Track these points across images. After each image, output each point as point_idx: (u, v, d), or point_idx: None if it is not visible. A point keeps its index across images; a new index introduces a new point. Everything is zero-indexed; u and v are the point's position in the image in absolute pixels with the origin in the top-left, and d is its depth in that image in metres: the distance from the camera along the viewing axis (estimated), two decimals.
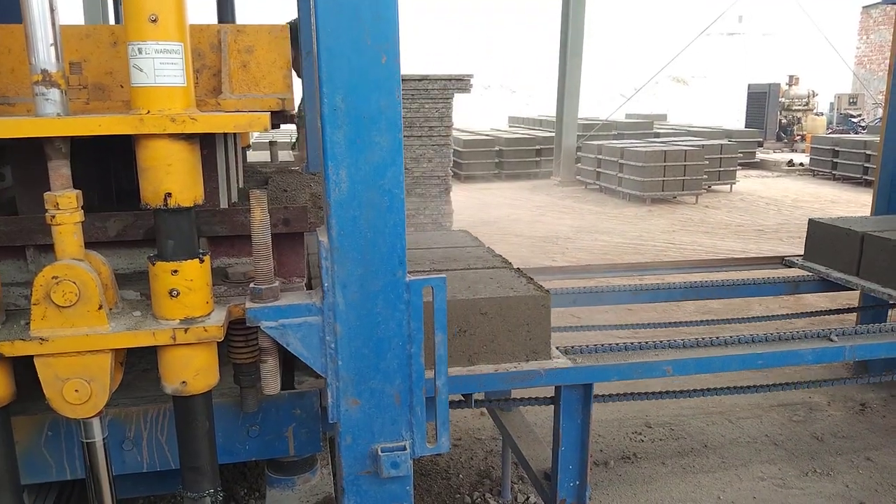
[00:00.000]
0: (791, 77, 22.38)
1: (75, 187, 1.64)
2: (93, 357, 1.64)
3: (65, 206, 1.58)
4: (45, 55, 1.54)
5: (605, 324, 4.37)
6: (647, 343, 2.69)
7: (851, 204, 12.85)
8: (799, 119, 21.87)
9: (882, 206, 5.14)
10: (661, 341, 2.67)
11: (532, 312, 2.43)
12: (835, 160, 15.86)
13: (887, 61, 5.33)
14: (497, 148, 16.13)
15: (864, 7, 25.65)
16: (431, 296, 1.78)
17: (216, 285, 1.87)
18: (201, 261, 1.71)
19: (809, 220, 4.34)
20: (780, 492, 3.66)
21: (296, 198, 2.45)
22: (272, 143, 4.04)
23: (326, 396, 1.80)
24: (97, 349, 1.64)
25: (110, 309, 1.70)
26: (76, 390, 1.63)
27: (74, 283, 1.59)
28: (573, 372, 2.49)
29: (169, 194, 1.61)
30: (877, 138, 9.20)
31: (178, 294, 1.67)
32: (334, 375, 1.77)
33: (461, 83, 6.88)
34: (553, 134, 16.07)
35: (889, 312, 5.04)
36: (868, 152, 14.62)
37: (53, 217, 1.58)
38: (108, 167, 2.86)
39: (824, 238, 4.16)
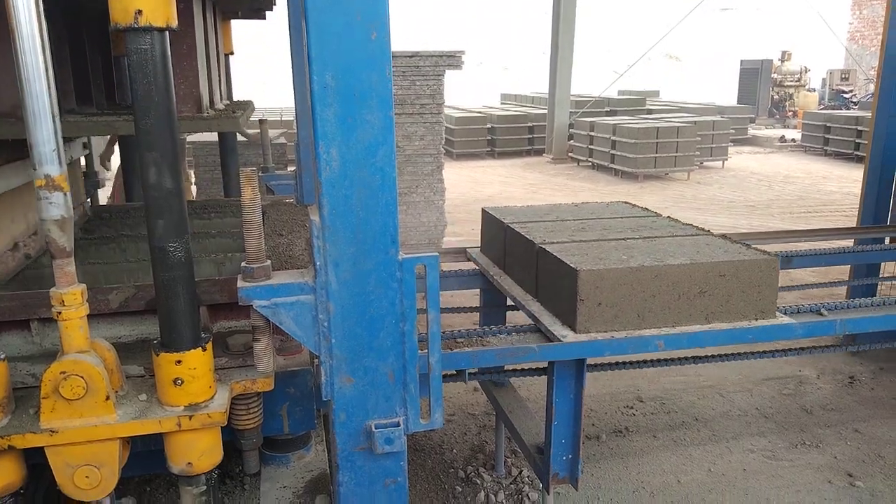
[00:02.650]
0: (783, 53, 22.32)
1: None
2: (101, 445, 1.69)
3: (70, 303, 1.60)
4: (49, 160, 1.54)
5: None
6: (476, 331, 2.68)
7: (843, 180, 12.89)
8: (791, 95, 21.85)
9: (873, 181, 5.16)
10: (487, 329, 2.65)
11: (763, 275, 2.58)
12: (826, 136, 15.88)
13: (880, 37, 5.31)
14: (489, 125, 16.07)
15: None
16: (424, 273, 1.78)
17: (217, 357, 1.89)
18: (204, 349, 1.74)
19: None
20: (769, 464, 3.71)
21: (292, 245, 2.47)
22: (262, 122, 4.02)
23: (320, 374, 1.81)
24: (105, 438, 1.68)
25: (116, 392, 1.74)
26: (86, 476, 1.69)
27: (82, 377, 1.63)
28: (566, 347, 2.50)
29: (139, 11, 1.54)
30: (868, 114, 9.21)
31: (182, 383, 1.72)
32: (328, 353, 1.78)
33: (453, 60, 6.82)
34: (545, 111, 16.01)
35: (878, 286, 5.08)
36: (860, 128, 14.64)
37: (60, 314, 1.61)
38: (85, 61, 2.85)
39: None
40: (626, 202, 3.77)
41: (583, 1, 15.07)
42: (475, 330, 2.65)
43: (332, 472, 2.07)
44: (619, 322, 2.50)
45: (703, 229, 3.11)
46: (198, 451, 1.78)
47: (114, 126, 2.50)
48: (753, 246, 2.81)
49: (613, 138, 13.27)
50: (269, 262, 1.80)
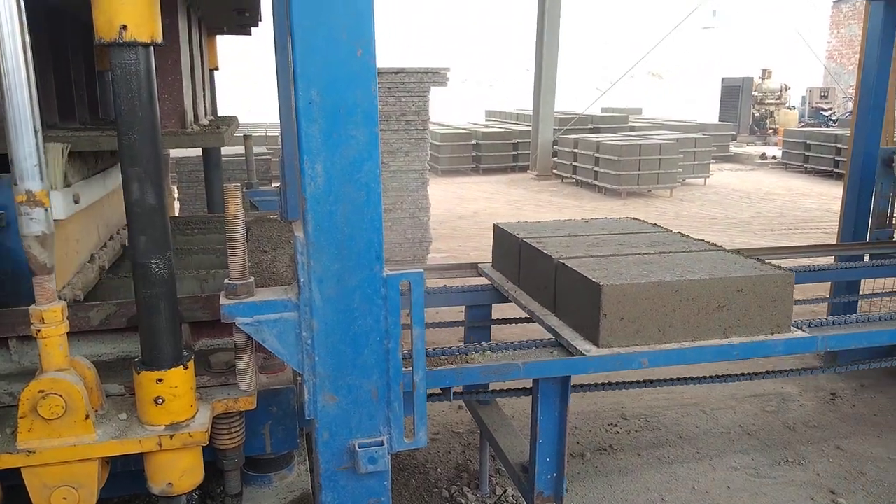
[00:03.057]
0: (764, 71, 22.66)
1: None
2: (80, 465, 1.66)
3: (50, 320, 1.59)
4: (30, 175, 1.53)
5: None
6: (501, 344, 2.68)
7: (823, 196, 13.05)
8: (771, 112, 22.16)
9: (852, 198, 5.23)
10: (512, 343, 2.66)
11: (779, 290, 2.62)
12: (806, 153, 16.10)
13: (857, 56, 5.41)
14: (474, 142, 16.13)
15: (834, 2, 26.02)
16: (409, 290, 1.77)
17: (199, 375, 1.87)
18: (185, 367, 1.72)
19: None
20: (753, 481, 3.71)
21: (276, 262, 2.45)
22: (246, 137, 4.00)
23: (303, 393, 1.79)
24: (84, 458, 1.65)
25: (95, 411, 1.71)
26: (64, 498, 1.66)
27: (61, 396, 1.60)
28: (551, 365, 2.50)
29: (124, 26, 1.53)
30: (847, 132, 9.34)
31: (163, 401, 1.70)
32: (311, 372, 1.76)
33: (438, 76, 6.85)
34: (530, 128, 16.11)
35: (859, 303, 5.13)
36: (839, 146, 14.85)
37: (39, 331, 1.59)
38: (68, 75, 2.82)
39: None
40: (634, 218, 3.81)
41: (566, 19, 15.23)
42: (494, 344, 2.64)
43: (314, 492, 2.04)
44: (640, 336, 2.52)
45: (715, 245, 3.16)
46: (178, 471, 1.76)
47: (97, 141, 2.48)
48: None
49: (597, 155, 13.37)
50: (252, 278, 1.78)
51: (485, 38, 30.58)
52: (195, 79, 3.36)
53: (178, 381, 1.71)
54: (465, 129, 17.22)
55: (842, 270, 4.14)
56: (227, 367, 1.97)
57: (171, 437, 1.70)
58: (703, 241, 3.24)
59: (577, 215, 11.24)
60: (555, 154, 15.24)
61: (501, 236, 3.44)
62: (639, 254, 2.94)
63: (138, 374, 1.69)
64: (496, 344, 2.65)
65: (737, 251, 3.12)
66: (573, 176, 14.33)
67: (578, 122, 16.97)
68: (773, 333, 2.63)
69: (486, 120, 21.55)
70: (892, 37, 4.99)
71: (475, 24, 30.45)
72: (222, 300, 1.75)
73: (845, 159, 5.93)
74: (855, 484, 3.68)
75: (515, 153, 16.40)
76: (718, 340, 2.57)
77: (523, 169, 16.19)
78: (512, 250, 3.28)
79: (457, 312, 3.67)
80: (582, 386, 3.04)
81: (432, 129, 15.16)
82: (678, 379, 3.20)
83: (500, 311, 3.53)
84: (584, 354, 2.47)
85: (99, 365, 1.79)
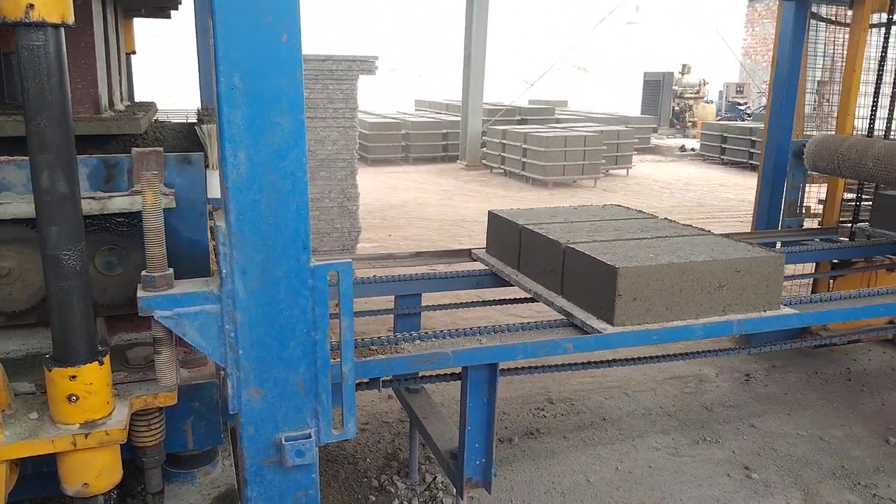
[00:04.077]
0: (684, 66, 23.41)
1: None
2: None
3: None
4: None
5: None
6: (548, 322, 2.76)
7: (738, 187, 13.62)
8: (690, 106, 22.93)
9: (766, 189, 5.47)
10: (525, 324, 2.74)
11: (772, 270, 2.82)
12: (723, 146, 16.76)
13: (771, 53, 5.65)
14: (404, 131, 16.07)
15: (749, 1, 27.10)
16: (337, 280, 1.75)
17: (116, 371, 1.79)
18: (101, 363, 1.65)
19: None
20: (673, 460, 3.86)
21: None
22: (166, 124, 3.85)
23: (227, 387, 1.75)
24: None
25: (3, 411, 1.62)
26: None
27: None
28: (479, 352, 2.52)
29: (31, 6, 1.44)
30: (761, 125, 9.77)
31: (77, 399, 1.62)
32: (235, 365, 1.72)
33: (366, 65, 6.78)
34: (459, 118, 16.16)
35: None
36: (753, 138, 15.54)
37: None
38: None
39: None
40: (618, 205, 4.00)
41: (494, 11, 15.32)
42: (497, 326, 2.69)
43: (240, 487, 2.00)
44: (650, 315, 2.68)
45: (704, 230, 3.36)
46: (95, 471, 1.68)
47: (2, 127, 2.34)
48: None
49: (524, 146, 13.54)
50: (171, 270, 1.72)
51: (414, 27, 30.45)
52: (110, 62, 3.22)
53: (92, 378, 1.64)
54: (394, 118, 17.13)
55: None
56: (145, 363, 1.90)
57: (87, 435, 1.63)
58: (691, 226, 3.43)
59: (506, 205, 11.36)
60: (484, 145, 15.35)
61: (497, 222, 3.56)
62: (639, 238, 3.11)
63: (50, 370, 1.61)
64: (425, 333, 2.66)
65: (726, 235, 3.36)
66: (501, 166, 14.48)
67: (506, 113, 17.14)
68: (765, 310, 2.84)
69: (416, 110, 21.49)
70: (802, 36, 5.24)
71: (404, 12, 30.27)
72: (139, 293, 1.69)
73: (759, 151, 6.21)
74: (767, 459, 3.88)
75: (445, 143, 16.43)
76: (719, 317, 2.76)
77: (453, 159, 16.24)
78: (510, 236, 3.40)
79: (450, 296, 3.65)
80: (510, 370, 3.09)
81: (361, 117, 15.02)
82: (602, 362, 3.30)
83: (478, 294, 3.54)
84: (600, 333, 2.61)
85: (6, 362, 1.70)
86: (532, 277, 3.20)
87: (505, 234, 3.47)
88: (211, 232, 1.95)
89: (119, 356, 1.92)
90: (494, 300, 3.78)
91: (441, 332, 2.68)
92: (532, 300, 3.25)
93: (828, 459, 3.88)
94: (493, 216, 3.62)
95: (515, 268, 3.36)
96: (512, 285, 3.34)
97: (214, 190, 1.92)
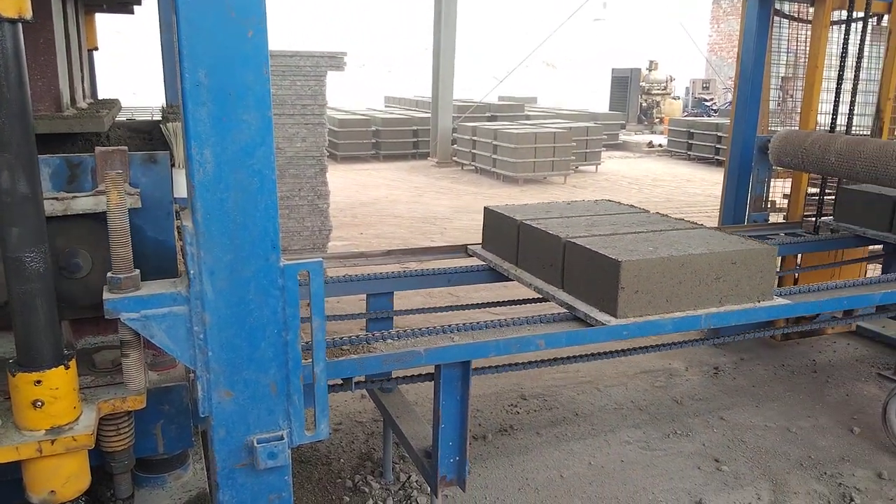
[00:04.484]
0: (651, 62, 23.67)
1: None
2: None
3: None
4: None
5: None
6: (520, 319, 2.77)
7: (705, 182, 13.81)
8: (658, 102, 23.20)
9: (732, 184, 5.55)
10: (531, 317, 2.76)
11: (765, 262, 2.90)
12: (690, 141, 16.97)
13: (736, 49, 5.73)
14: (374, 128, 16.00)
15: None
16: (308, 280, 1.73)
17: (82, 375, 1.75)
18: (66, 367, 1.61)
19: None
20: (645, 454, 3.90)
21: None
22: (130, 122, 3.78)
23: (196, 389, 1.72)
24: None
25: None
26: None
27: None
28: (452, 350, 2.52)
29: None
30: (727, 121, 9.91)
31: (42, 405, 1.58)
32: (204, 367, 1.69)
33: (335, 61, 6.72)
34: (429, 115, 16.14)
35: None
36: (720, 134, 15.75)
37: None
38: None
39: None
40: (610, 200, 4.04)
41: (463, 8, 15.32)
42: (470, 323, 2.68)
43: (212, 491, 1.97)
44: (651, 307, 2.73)
45: (695, 223, 3.42)
46: (62, 478, 1.65)
47: None
48: None
49: (495, 143, 13.57)
50: (137, 271, 1.69)
51: (383, 23, 30.32)
52: (71, 59, 3.15)
53: (58, 383, 1.60)
54: (364, 114, 17.04)
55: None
56: (113, 366, 1.86)
57: (53, 441, 1.59)
58: (683, 220, 3.49)
59: (478, 202, 11.38)
60: (454, 142, 15.35)
61: (494, 218, 3.59)
62: (636, 232, 3.17)
63: (14, 376, 1.57)
64: (398, 332, 2.64)
65: (718, 228, 3.45)
66: (472, 163, 14.49)
67: (476, 110, 17.16)
68: (759, 301, 2.91)
69: (386, 106, 21.42)
70: (766, 33, 5.32)
71: (373, 8, 30.12)
72: (105, 295, 1.65)
73: (725, 147, 6.29)
74: (736, 451, 3.94)
75: (416, 140, 16.40)
76: (716, 308, 2.83)
77: (424, 156, 16.22)
78: (508, 231, 3.43)
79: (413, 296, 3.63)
80: (483, 369, 3.09)
81: (330, 114, 14.89)
82: (575, 357, 3.31)
83: (475, 291, 3.52)
84: (604, 324, 2.66)
85: None
86: (531, 272, 3.24)
87: (502, 229, 3.50)
88: (178, 232, 1.92)
89: (86, 360, 1.88)
90: (494, 302, 3.84)
91: (413, 330, 2.67)
92: (540, 300, 3.29)
93: (795, 450, 3.95)
94: (489, 212, 3.65)
95: (514, 263, 3.39)
96: (511, 280, 3.37)
97: (181, 189, 1.88)
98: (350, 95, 21.53)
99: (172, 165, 1.84)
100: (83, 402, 1.71)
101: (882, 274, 4.68)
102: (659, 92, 23.28)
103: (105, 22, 5.46)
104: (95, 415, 1.69)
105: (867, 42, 5.02)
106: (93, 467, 1.76)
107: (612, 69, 23.68)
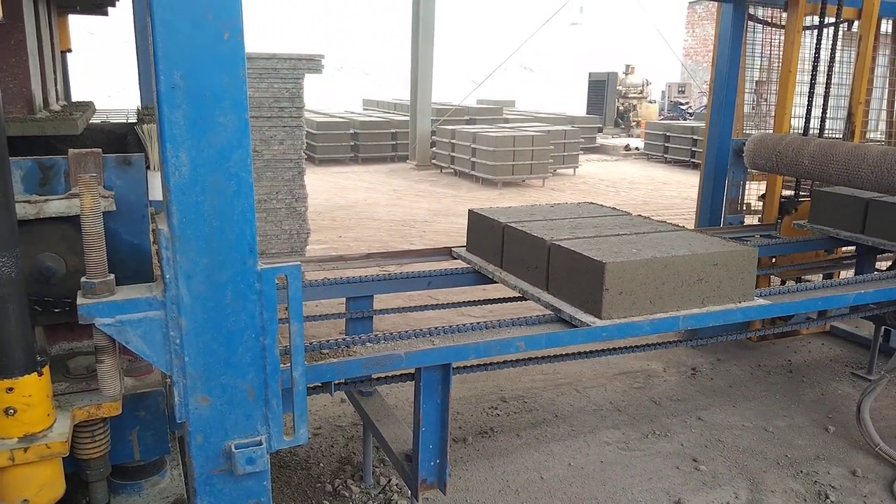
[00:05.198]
0: (627, 66, 23.87)
1: None
2: None
3: None
4: None
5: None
6: (501, 321, 2.77)
7: (681, 185, 13.94)
8: (634, 106, 23.40)
9: (707, 187, 5.62)
10: (509, 319, 2.76)
11: (746, 263, 2.92)
12: (666, 145, 17.14)
13: (711, 53, 5.80)
14: (352, 131, 15.95)
15: (689, 3, 27.79)
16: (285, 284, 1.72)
17: (56, 382, 1.72)
18: (40, 374, 1.58)
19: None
20: (624, 454, 3.92)
21: None
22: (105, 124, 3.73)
23: (173, 395, 1.70)
24: None
25: None
26: None
27: None
28: (432, 353, 2.51)
29: None
30: (703, 124, 10.02)
31: (14, 412, 1.56)
32: (181, 373, 1.67)
33: (312, 63, 6.69)
34: (408, 118, 16.13)
35: None
36: (695, 137, 15.93)
37: None
38: None
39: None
40: (592, 202, 4.05)
41: (441, 11, 15.35)
42: (450, 326, 2.66)
43: (189, 497, 1.94)
44: (635, 308, 2.74)
45: (678, 225, 3.44)
46: (35, 486, 1.62)
47: None
48: None
49: (473, 146, 13.60)
50: (112, 276, 1.66)
51: (360, 25, 30.27)
52: (44, 61, 3.10)
53: (31, 390, 1.57)
54: (342, 117, 16.99)
55: None
56: (87, 372, 1.83)
57: (26, 449, 1.57)
58: (665, 222, 3.51)
59: (457, 205, 11.40)
60: (433, 144, 15.36)
61: (478, 221, 3.59)
62: (619, 234, 3.18)
63: None
64: (378, 334, 2.63)
65: (700, 230, 3.48)
66: (451, 166, 14.50)
67: (455, 113, 17.18)
68: (741, 301, 2.94)
69: (364, 109, 21.38)
70: (740, 37, 5.39)
71: (351, 12, 30.06)
72: (79, 300, 1.62)
73: (701, 150, 6.36)
74: (714, 451, 3.97)
75: (395, 143, 16.37)
76: (698, 309, 2.85)
77: (402, 159, 16.20)
78: (492, 234, 3.43)
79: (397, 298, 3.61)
80: (463, 369, 3.08)
81: (308, 117, 14.83)
82: (556, 357, 3.31)
83: (463, 293, 3.51)
84: (589, 326, 2.67)
85: None
86: (516, 274, 3.25)
87: (486, 232, 3.50)
88: (154, 235, 1.90)
89: (60, 366, 1.85)
90: (476, 300, 3.84)
91: (393, 333, 2.66)
92: (519, 299, 3.30)
93: (772, 449, 4.00)
94: (473, 214, 3.65)
95: (499, 265, 3.40)
96: (495, 282, 3.37)
97: (157, 192, 1.86)
98: (328, 98, 21.47)
99: (148, 168, 1.81)
100: (57, 409, 1.69)
101: (855, 275, 4.75)
102: (635, 96, 23.49)
103: (79, 23, 5.39)
104: (70, 422, 1.66)
105: (839, 47, 5.11)
106: (67, 475, 1.74)
107: (589, 73, 23.85)
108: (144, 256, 1.91)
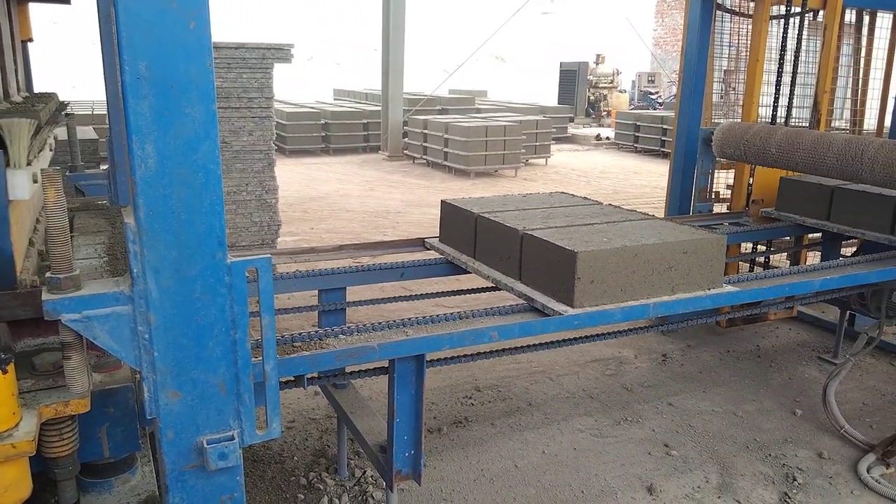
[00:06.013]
0: (598, 56, 23.99)
1: None
2: None
3: None
4: None
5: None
6: (474, 311, 2.77)
7: (651, 174, 14.08)
8: (605, 96, 23.56)
9: (677, 176, 5.67)
10: (484, 310, 2.77)
11: (715, 251, 2.96)
12: (636, 134, 17.29)
13: (680, 43, 5.85)
14: (323, 121, 15.82)
15: None
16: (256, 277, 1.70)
17: (22, 380, 1.68)
18: (4, 371, 1.55)
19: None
20: (597, 441, 3.97)
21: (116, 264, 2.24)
22: (69, 116, 3.66)
23: (143, 391, 1.67)
24: None
25: None
26: None
27: None
28: (406, 344, 2.51)
29: None
30: (672, 114, 10.13)
31: None
32: (150, 368, 1.65)
33: (282, 53, 6.61)
34: (379, 108, 16.03)
35: None
36: (665, 126, 16.09)
37: None
38: None
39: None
40: (563, 192, 4.08)
41: (412, 0, 15.25)
42: (423, 317, 2.65)
43: (161, 494, 1.92)
44: (606, 296, 2.77)
45: (648, 214, 3.48)
46: (1, 487, 1.59)
47: None
48: None
49: (446, 136, 13.58)
50: (78, 271, 1.63)
51: (331, 15, 29.98)
52: (3, 50, 3.02)
53: None
54: (313, 107, 16.83)
55: None
56: (54, 369, 1.79)
57: None
58: (635, 211, 3.54)
59: (430, 195, 11.38)
60: (405, 135, 15.30)
61: (451, 211, 3.59)
62: (590, 224, 3.21)
63: None
64: (351, 326, 2.62)
65: (669, 219, 3.53)
66: (424, 157, 14.47)
67: (427, 103, 17.13)
68: (710, 288, 2.98)
69: (335, 99, 21.22)
70: (708, 27, 5.44)
71: (321, 0, 29.75)
72: (44, 295, 1.59)
73: (671, 139, 6.42)
74: (685, 436, 4.04)
75: (366, 133, 16.27)
76: (668, 297, 2.88)
77: (374, 149, 16.11)
78: (465, 224, 3.43)
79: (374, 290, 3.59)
80: (437, 361, 3.09)
81: (278, 107, 14.68)
82: (528, 346, 3.33)
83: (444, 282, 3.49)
84: (561, 314, 2.67)
85: None
86: (489, 264, 3.26)
87: (459, 222, 3.51)
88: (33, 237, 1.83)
89: (25, 363, 1.81)
90: (452, 290, 3.80)
91: (366, 324, 2.65)
92: (492, 289, 3.32)
93: (741, 433, 4.07)
94: (446, 205, 3.65)
95: (472, 255, 3.41)
96: (469, 273, 3.37)
97: (18, 191, 1.76)
98: (298, 88, 21.25)
99: (8, 165, 1.73)
100: (23, 407, 1.65)
101: (821, 261, 4.84)
102: (606, 85, 23.63)
103: (40, 12, 5.26)
104: (36, 420, 1.63)
105: (805, 37, 5.18)
106: (35, 474, 1.70)
107: (561, 63, 23.92)
108: (6, 258, 1.80)
